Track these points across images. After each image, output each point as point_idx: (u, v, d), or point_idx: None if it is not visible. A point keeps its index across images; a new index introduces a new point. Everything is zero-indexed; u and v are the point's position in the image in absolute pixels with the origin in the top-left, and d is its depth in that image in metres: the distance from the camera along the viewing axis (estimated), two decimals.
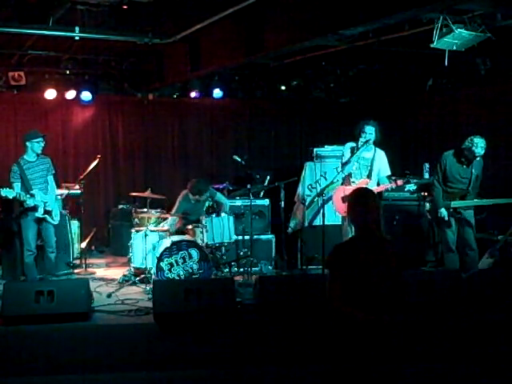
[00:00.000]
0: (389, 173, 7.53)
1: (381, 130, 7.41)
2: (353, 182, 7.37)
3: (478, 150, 6.92)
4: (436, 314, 6.09)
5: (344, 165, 7.40)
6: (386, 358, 3.54)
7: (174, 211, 7.93)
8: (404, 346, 5.26)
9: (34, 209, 7.06)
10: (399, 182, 7.33)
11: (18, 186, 7.04)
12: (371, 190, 3.98)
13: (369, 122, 7.37)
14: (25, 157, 7.19)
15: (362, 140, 7.30)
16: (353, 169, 7.42)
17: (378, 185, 7.44)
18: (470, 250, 7.12)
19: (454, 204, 7.05)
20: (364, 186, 7.26)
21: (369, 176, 7.42)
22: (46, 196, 7.19)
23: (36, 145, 7.17)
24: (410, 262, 8.34)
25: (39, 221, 7.17)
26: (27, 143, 7.18)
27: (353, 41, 6.60)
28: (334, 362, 3.59)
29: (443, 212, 7.07)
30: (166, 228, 7.84)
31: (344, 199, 7.16)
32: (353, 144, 7.43)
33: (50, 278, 7.28)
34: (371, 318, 3.52)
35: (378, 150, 7.48)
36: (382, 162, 7.49)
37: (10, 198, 6.96)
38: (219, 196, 8.19)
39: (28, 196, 7.00)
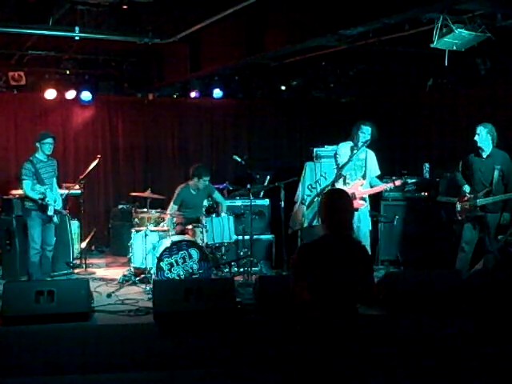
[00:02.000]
0: (379, 173, 7.59)
1: (377, 130, 7.42)
2: (348, 184, 7.35)
3: (479, 128, 6.87)
4: (436, 314, 6.10)
5: (344, 165, 7.36)
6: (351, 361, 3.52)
7: (172, 202, 7.98)
8: (403, 346, 5.27)
9: (46, 207, 7.13)
10: (397, 183, 7.38)
11: (28, 183, 7.10)
12: (345, 192, 3.97)
13: (366, 122, 7.37)
14: (37, 155, 7.30)
15: (361, 140, 7.30)
16: (350, 169, 7.44)
17: (371, 185, 7.46)
18: (488, 253, 7.06)
19: (481, 202, 6.90)
20: (359, 186, 7.30)
21: (364, 176, 7.45)
22: (55, 196, 7.33)
23: (45, 146, 7.26)
24: (409, 263, 8.38)
25: (44, 220, 7.24)
26: (37, 144, 7.29)
27: (353, 41, 6.59)
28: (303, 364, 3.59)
29: (467, 188, 7.01)
30: (165, 228, 7.84)
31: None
32: (350, 144, 7.43)
33: (46, 277, 7.29)
34: (320, 316, 3.50)
35: (368, 150, 7.51)
36: (372, 163, 7.55)
37: (36, 197, 7.08)
38: (217, 195, 8.23)
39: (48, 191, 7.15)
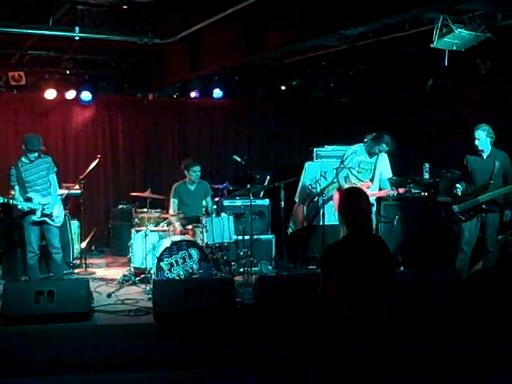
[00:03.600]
0: (390, 175, 7.68)
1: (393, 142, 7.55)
2: (355, 185, 7.42)
3: (477, 131, 6.89)
4: (436, 314, 6.09)
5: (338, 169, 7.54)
6: (380, 359, 3.54)
7: (171, 197, 8.01)
8: (402, 346, 5.27)
9: (32, 212, 6.97)
10: (401, 190, 7.49)
11: (17, 188, 6.99)
12: (362, 190, 4.00)
13: (388, 140, 7.41)
14: (22, 158, 7.08)
15: (376, 151, 7.42)
16: (356, 172, 7.54)
17: (380, 187, 7.53)
18: (488, 252, 7.07)
19: (483, 198, 6.88)
20: (365, 188, 7.33)
21: (372, 179, 7.52)
22: (46, 198, 7.07)
23: (29, 154, 7.00)
24: (409, 263, 8.37)
25: (40, 223, 7.08)
26: (23, 146, 7.05)
27: (353, 41, 6.60)
28: (328, 362, 3.60)
29: (462, 185, 7.08)
30: (165, 228, 7.85)
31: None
32: (360, 148, 7.56)
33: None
34: (359, 317, 3.52)
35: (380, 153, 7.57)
36: (384, 165, 7.64)
37: (25, 209, 6.94)
38: (209, 200, 8.20)
39: (21, 201, 6.92)
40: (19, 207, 6.97)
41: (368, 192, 7.37)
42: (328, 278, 3.64)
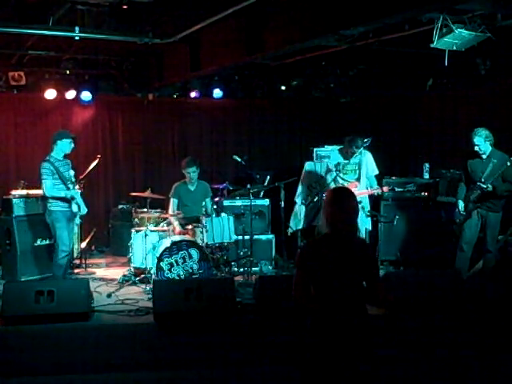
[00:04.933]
0: (377, 172, 7.85)
1: (369, 146, 7.70)
2: (342, 185, 7.51)
3: (475, 138, 6.92)
4: (436, 313, 6.10)
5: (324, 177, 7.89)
6: (359, 357, 3.53)
7: (171, 197, 8.04)
8: (402, 346, 5.27)
9: (69, 205, 7.02)
10: (385, 189, 7.73)
11: (48, 183, 6.94)
12: (349, 190, 3.97)
13: (358, 143, 7.57)
14: (53, 155, 7.12)
15: (352, 150, 7.58)
16: (342, 174, 7.71)
17: (370, 185, 7.72)
18: (488, 252, 7.09)
19: (473, 196, 6.98)
20: (353, 188, 7.39)
21: (358, 179, 7.70)
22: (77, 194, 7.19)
23: (67, 144, 7.14)
24: (409, 262, 8.38)
25: (70, 219, 7.11)
26: (58, 141, 7.12)
27: (353, 41, 6.59)
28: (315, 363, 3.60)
29: (460, 203, 7.16)
30: (165, 228, 7.85)
31: None
32: (340, 159, 7.75)
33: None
34: (332, 315, 3.51)
35: (363, 151, 7.63)
36: (368, 162, 7.79)
37: (61, 195, 6.98)
38: (208, 202, 8.17)
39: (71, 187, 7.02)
40: (75, 196, 7.03)
41: (355, 192, 7.44)
42: (299, 276, 3.62)
